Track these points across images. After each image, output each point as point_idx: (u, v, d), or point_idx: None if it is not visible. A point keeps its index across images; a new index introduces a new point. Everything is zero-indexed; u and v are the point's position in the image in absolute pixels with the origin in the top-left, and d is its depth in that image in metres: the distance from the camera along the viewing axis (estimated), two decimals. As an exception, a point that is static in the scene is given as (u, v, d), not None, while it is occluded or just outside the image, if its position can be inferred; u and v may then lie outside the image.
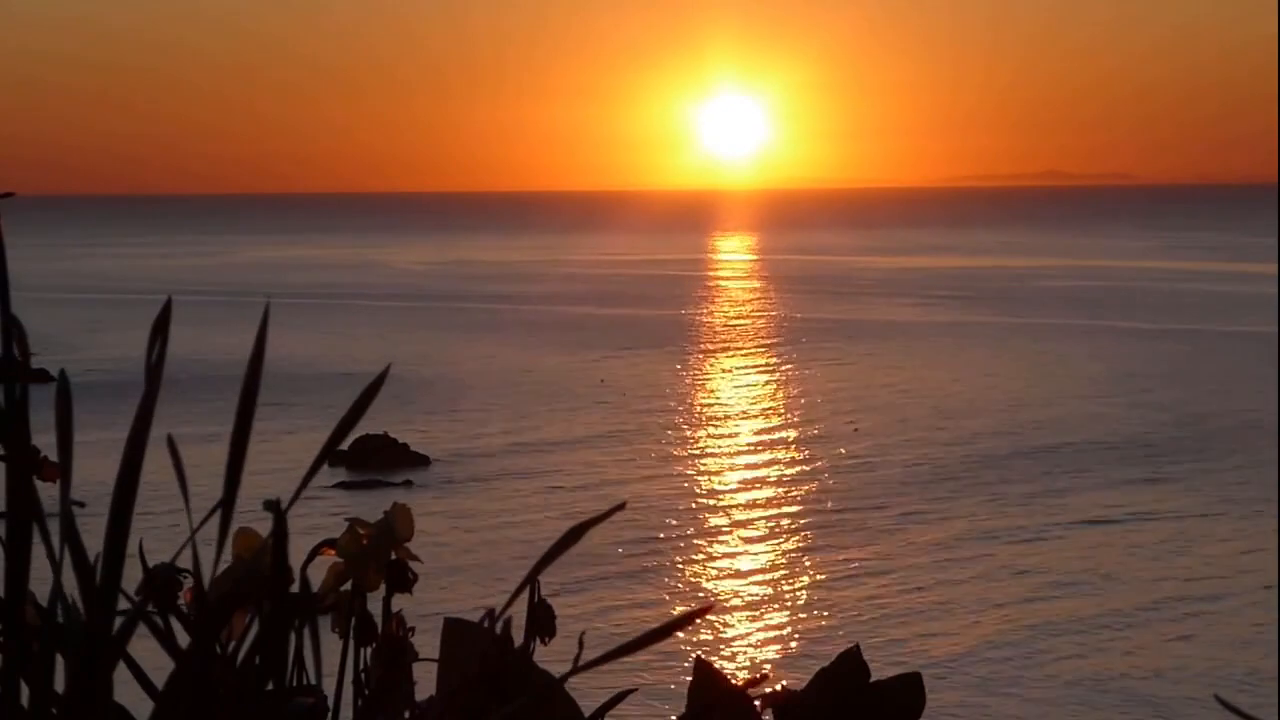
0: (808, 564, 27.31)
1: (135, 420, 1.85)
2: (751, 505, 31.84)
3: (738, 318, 74.18)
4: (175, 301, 1.96)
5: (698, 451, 37.58)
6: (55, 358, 44.06)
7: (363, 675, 2.33)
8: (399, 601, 2.36)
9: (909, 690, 3.07)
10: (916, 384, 48.30)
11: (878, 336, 62.83)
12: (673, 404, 44.74)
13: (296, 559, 2.05)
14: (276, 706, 1.93)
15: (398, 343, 59.72)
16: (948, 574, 26.29)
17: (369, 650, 2.34)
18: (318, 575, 2.27)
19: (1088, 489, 32.62)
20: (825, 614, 24.28)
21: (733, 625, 23.82)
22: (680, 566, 27.13)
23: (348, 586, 2.34)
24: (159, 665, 1.97)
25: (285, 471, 30.23)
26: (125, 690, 1.95)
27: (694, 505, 31.60)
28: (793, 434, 40.01)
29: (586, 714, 2.69)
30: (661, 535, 28.85)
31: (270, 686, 1.92)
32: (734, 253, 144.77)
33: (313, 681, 2.17)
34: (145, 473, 1.86)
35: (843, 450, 37.13)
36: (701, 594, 25.49)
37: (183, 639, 2.03)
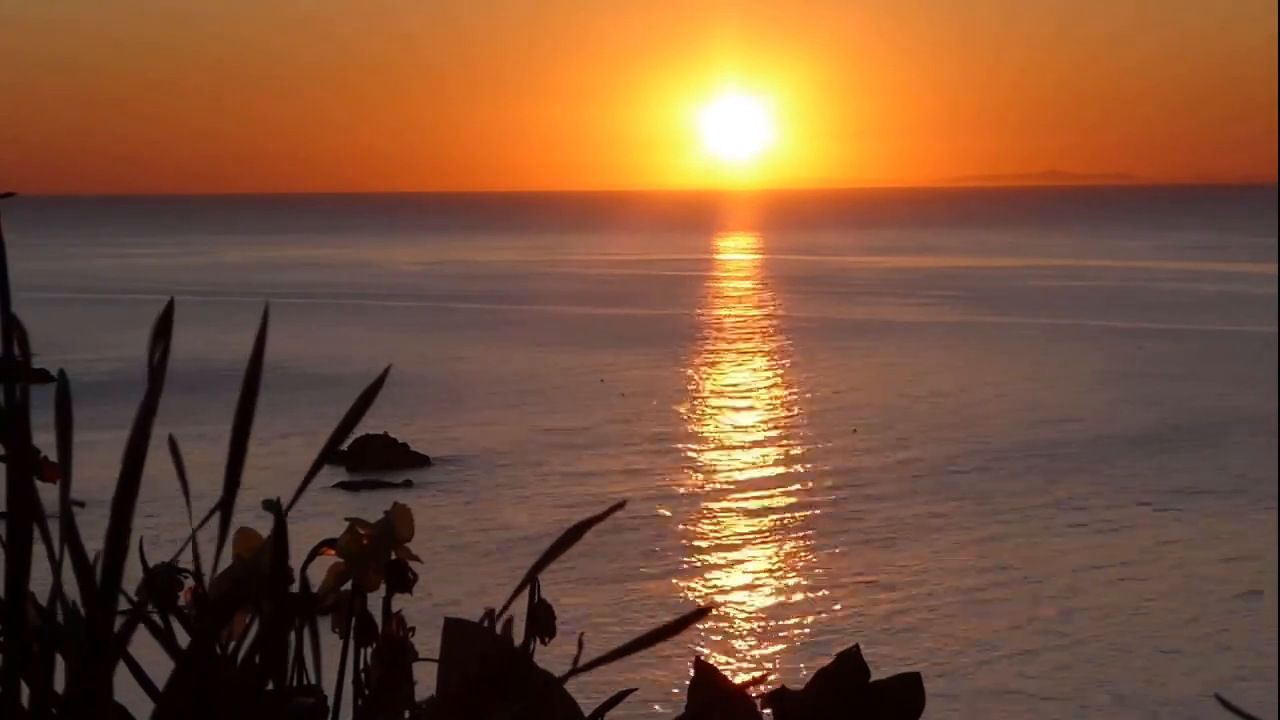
0: (807, 564, 27.30)
1: (137, 420, 1.85)
2: (751, 505, 31.82)
3: (739, 318, 74.16)
4: (175, 301, 1.96)
5: (697, 451, 37.56)
6: (55, 358, 44.03)
7: (363, 675, 2.33)
8: (399, 601, 2.36)
9: (909, 690, 3.07)
10: (917, 384, 48.28)
11: (879, 336, 62.81)
12: (673, 404, 44.73)
13: (296, 559, 2.05)
14: (276, 706, 1.93)
15: (398, 342, 59.71)
16: (948, 574, 26.28)
17: (369, 650, 2.34)
18: (318, 575, 2.27)
19: (1089, 488, 32.61)
20: (825, 614, 24.27)
21: (733, 625, 23.81)
22: (680, 566, 27.12)
23: (348, 586, 2.34)
24: (159, 665, 1.97)
25: (285, 471, 30.23)
26: (125, 690, 1.95)
27: (694, 505, 31.59)
28: (793, 434, 39.99)
29: (586, 714, 2.68)
30: (661, 535, 28.84)
31: (270, 686, 1.92)
32: (736, 253, 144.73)
33: (313, 681, 2.17)
34: (145, 472, 1.86)
35: (843, 450, 37.12)
36: (701, 594, 25.49)
37: (183, 639, 2.03)
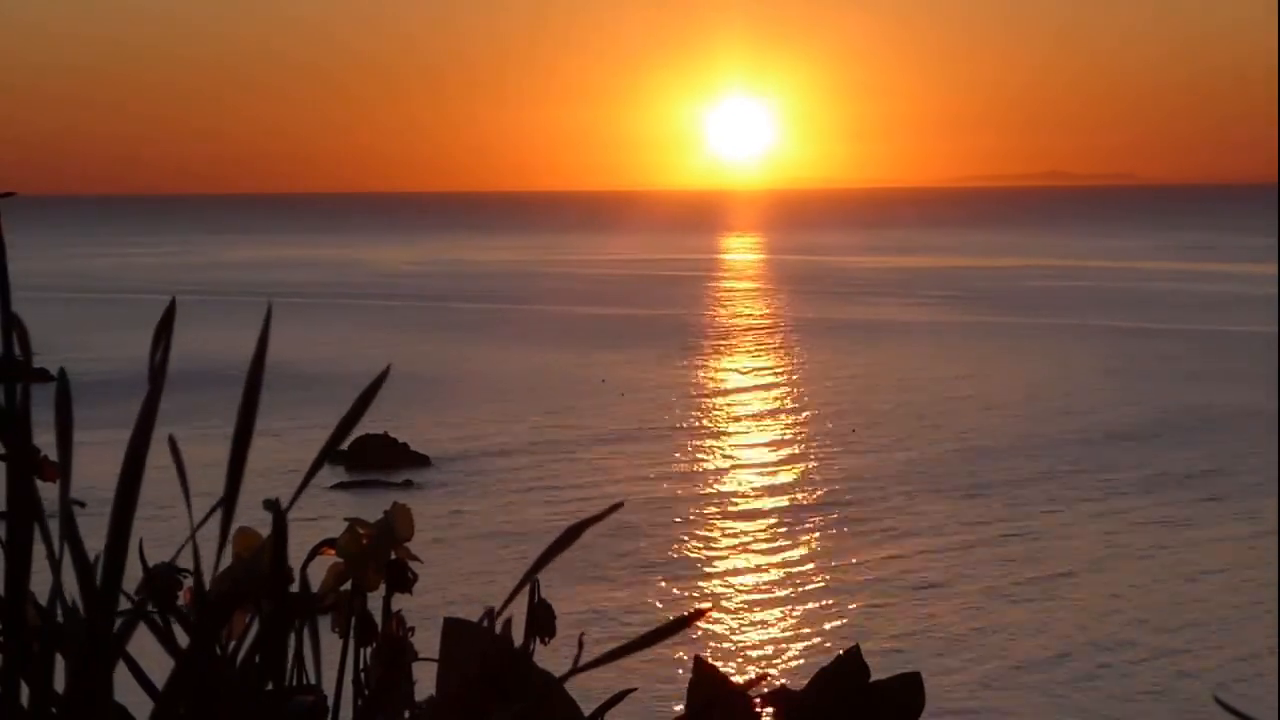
0: (807, 564, 27.30)
1: (138, 420, 1.85)
2: (751, 505, 31.82)
3: (740, 317, 74.16)
4: (175, 301, 1.96)
5: (697, 451, 37.57)
6: (55, 358, 44.04)
7: (363, 675, 2.33)
8: (399, 601, 2.36)
9: (909, 690, 3.08)
10: (918, 384, 48.28)
11: (880, 336, 62.80)
12: (673, 404, 44.73)
13: (296, 559, 2.05)
14: (276, 706, 1.93)
15: (398, 342, 59.70)
16: (949, 574, 26.28)
17: (369, 650, 2.35)
18: (318, 575, 2.27)
19: (1091, 488, 32.61)
20: (825, 614, 24.27)
21: (732, 625, 23.81)
22: (679, 566, 27.11)
23: (348, 586, 2.34)
24: (159, 665, 1.97)
25: (285, 471, 30.25)
26: (125, 690, 1.95)
27: (693, 505, 31.59)
28: (793, 434, 40.00)
29: (586, 714, 2.69)
30: (660, 535, 28.84)
31: (270, 686, 1.92)
32: (739, 252, 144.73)
33: (313, 681, 2.17)
34: (145, 472, 1.86)
35: (843, 450, 37.12)
36: (701, 594, 25.48)
37: (183, 639, 2.03)
